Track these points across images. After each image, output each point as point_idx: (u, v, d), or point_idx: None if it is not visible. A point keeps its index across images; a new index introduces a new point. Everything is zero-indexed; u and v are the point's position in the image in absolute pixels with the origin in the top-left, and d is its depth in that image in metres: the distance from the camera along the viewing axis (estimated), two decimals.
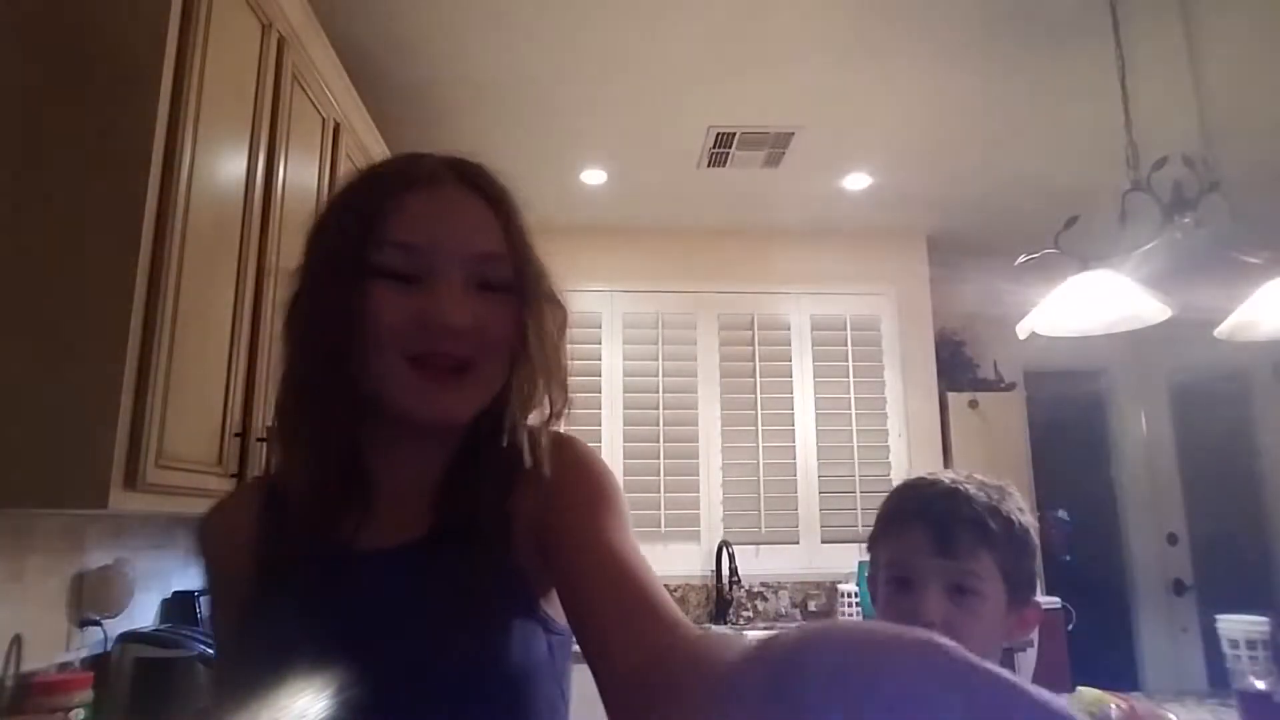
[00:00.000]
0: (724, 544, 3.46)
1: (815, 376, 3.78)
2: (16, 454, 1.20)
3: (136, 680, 1.58)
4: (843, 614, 3.35)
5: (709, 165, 3.22)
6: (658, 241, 3.85)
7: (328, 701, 0.60)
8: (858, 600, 3.33)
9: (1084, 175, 2.94)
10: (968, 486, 0.90)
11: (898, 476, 3.68)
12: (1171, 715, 1.74)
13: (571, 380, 0.76)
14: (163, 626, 1.81)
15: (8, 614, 1.40)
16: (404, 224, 0.68)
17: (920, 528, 0.89)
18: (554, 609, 0.68)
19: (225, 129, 1.53)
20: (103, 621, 1.61)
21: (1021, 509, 0.91)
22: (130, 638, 1.64)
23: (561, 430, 0.75)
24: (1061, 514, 3.98)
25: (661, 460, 3.62)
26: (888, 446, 3.74)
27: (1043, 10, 2.26)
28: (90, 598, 1.59)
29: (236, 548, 0.72)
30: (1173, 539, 4.58)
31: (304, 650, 0.62)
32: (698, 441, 3.65)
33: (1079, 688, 1.76)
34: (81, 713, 1.40)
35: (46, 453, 1.20)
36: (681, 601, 3.53)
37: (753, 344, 3.80)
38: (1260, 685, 1.53)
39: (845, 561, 3.52)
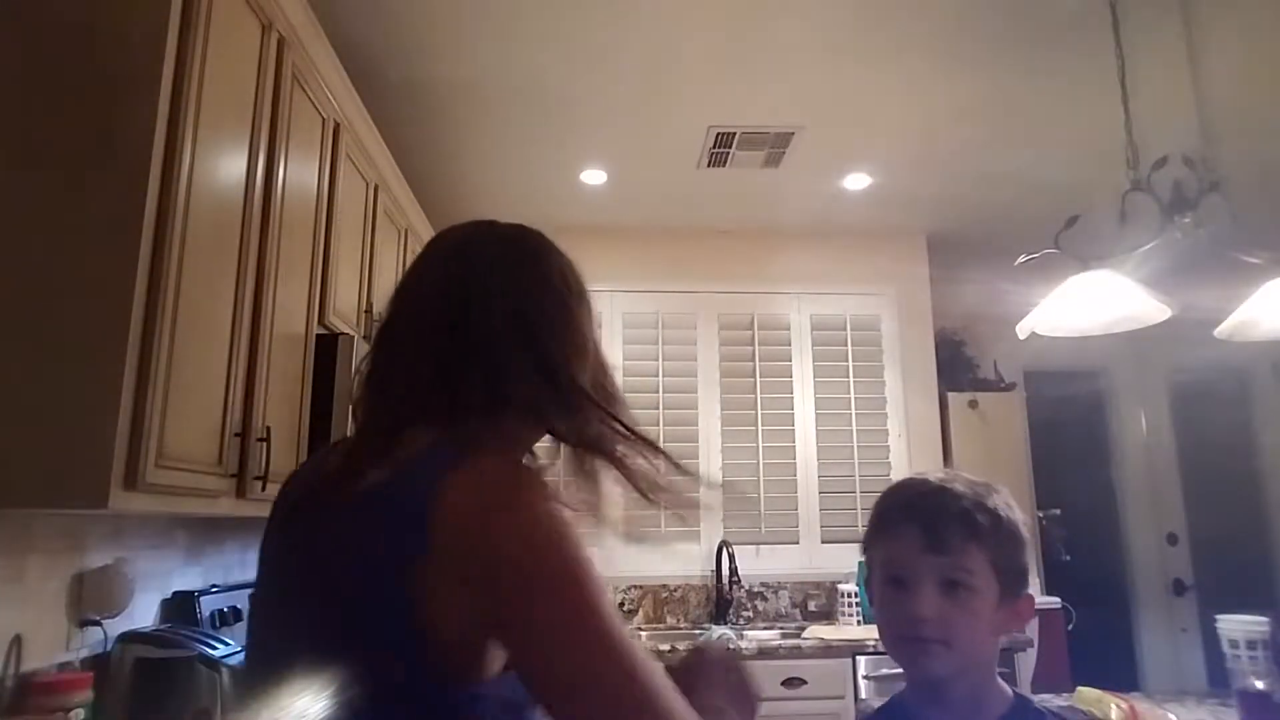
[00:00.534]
0: (724, 544, 3.46)
1: (815, 376, 3.78)
2: (16, 454, 1.20)
3: (136, 680, 1.58)
4: (843, 614, 3.35)
5: (709, 165, 3.22)
6: (658, 241, 3.85)
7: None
8: (858, 600, 3.33)
9: (1084, 175, 2.94)
10: (954, 484, 0.92)
11: (897, 476, 3.64)
12: (1171, 715, 1.74)
13: None
14: (163, 626, 1.81)
15: (8, 614, 1.40)
16: None
17: (910, 526, 0.91)
18: None
19: (225, 129, 1.53)
20: (103, 621, 1.61)
21: (1009, 505, 0.93)
22: (130, 638, 1.63)
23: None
24: (1055, 513, 3.99)
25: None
26: (888, 446, 3.74)
27: (1043, 10, 2.26)
28: (90, 598, 1.59)
29: None
30: (1173, 539, 4.58)
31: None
32: (698, 441, 3.66)
33: (1079, 688, 1.77)
34: (81, 713, 1.40)
35: (46, 453, 1.20)
36: (681, 601, 3.53)
37: (753, 344, 3.80)
38: (1260, 685, 1.54)
39: (845, 561, 3.52)
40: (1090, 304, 1.96)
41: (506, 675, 0.70)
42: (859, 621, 3.29)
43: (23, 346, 1.22)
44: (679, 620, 3.50)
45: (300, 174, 1.90)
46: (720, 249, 3.87)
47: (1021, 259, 2.05)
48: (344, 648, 0.68)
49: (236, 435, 1.57)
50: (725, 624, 3.40)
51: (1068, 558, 3.97)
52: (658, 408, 3.68)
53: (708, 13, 2.28)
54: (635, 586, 3.52)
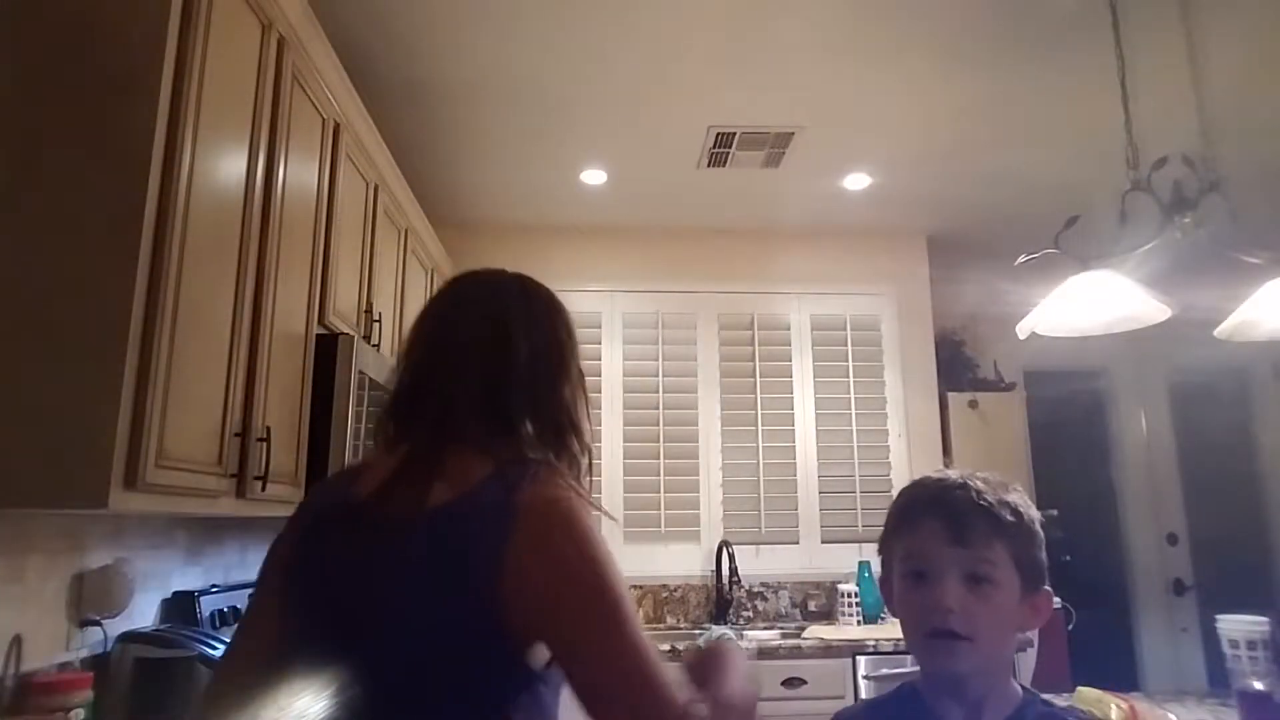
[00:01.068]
0: (724, 544, 3.46)
1: (815, 376, 3.78)
2: (16, 454, 1.20)
3: (136, 680, 1.58)
4: (843, 614, 3.35)
5: (709, 165, 3.22)
6: (658, 241, 3.86)
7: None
8: (858, 600, 3.34)
9: (1084, 175, 2.94)
10: (975, 480, 0.94)
11: (898, 476, 3.69)
12: (1171, 715, 1.74)
13: None
14: (163, 626, 1.81)
15: (8, 614, 1.40)
16: None
17: (934, 519, 0.92)
18: None
19: (225, 129, 1.53)
20: (103, 621, 1.61)
21: (1027, 502, 0.95)
22: (130, 638, 1.63)
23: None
24: (1054, 513, 3.98)
25: (661, 460, 3.62)
26: (888, 446, 3.75)
27: (1043, 10, 2.26)
28: (90, 598, 1.59)
29: None
30: (1173, 539, 4.58)
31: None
32: (698, 441, 3.66)
33: (1079, 688, 1.76)
34: (81, 713, 1.40)
35: (46, 453, 1.20)
36: (682, 601, 3.53)
37: (753, 344, 3.80)
38: (1260, 685, 1.54)
39: (845, 561, 3.52)
40: (1090, 304, 1.96)
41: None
42: (859, 621, 3.29)
43: (23, 346, 1.22)
44: (679, 620, 3.50)
45: (300, 174, 1.90)
46: (720, 249, 3.87)
47: (1021, 259, 2.05)
48: (431, 639, 0.83)
49: (236, 435, 1.58)
50: (725, 624, 3.40)
51: (1068, 558, 3.97)
52: (658, 408, 3.68)
53: (708, 13, 2.28)
54: (635, 586, 3.52)
